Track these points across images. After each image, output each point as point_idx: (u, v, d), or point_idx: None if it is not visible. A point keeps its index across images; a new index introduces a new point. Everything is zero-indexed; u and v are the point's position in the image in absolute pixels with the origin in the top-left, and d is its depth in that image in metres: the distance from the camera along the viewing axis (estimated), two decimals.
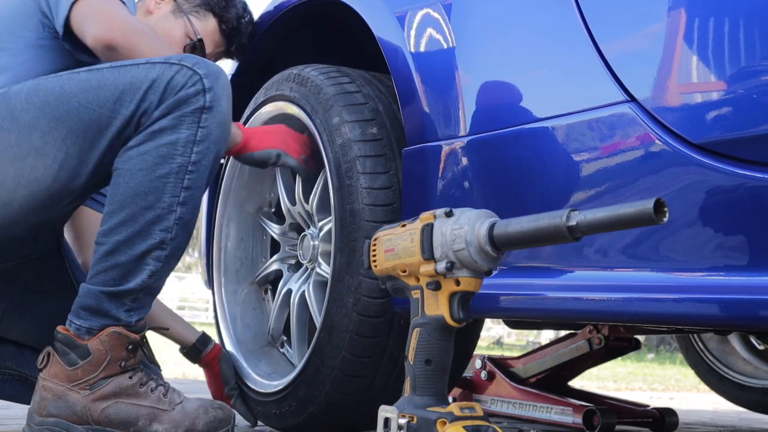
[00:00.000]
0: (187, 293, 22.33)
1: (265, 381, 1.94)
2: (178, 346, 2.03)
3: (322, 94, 1.78)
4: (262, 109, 2.00)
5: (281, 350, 2.08)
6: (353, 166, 1.68)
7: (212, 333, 2.14)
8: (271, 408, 1.87)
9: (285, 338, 2.08)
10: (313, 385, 1.74)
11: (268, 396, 1.88)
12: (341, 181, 1.70)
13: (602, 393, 2.81)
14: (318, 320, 1.83)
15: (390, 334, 1.68)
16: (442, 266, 1.13)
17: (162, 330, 1.92)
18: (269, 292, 2.16)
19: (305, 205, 1.93)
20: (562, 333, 2.88)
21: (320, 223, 1.88)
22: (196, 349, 1.99)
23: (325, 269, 1.84)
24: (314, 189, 1.90)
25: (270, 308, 2.13)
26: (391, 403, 1.20)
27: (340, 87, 1.78)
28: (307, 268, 1.93)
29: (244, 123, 2.08)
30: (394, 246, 1.20)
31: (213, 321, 2.17)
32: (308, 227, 1.93)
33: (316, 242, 1.88)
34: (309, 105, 1.81)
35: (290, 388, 1.80)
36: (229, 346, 2.07)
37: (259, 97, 2.04)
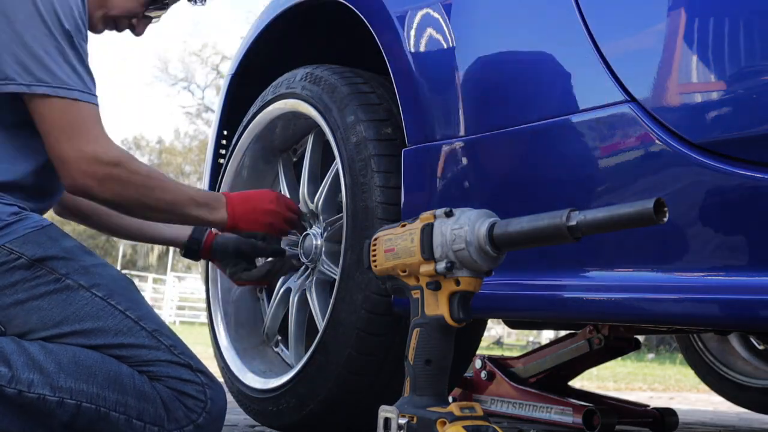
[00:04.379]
0: (187, 293, 22.33)
1: (260, 378, 1.94)
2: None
3: (337, 94, 1.79)
4: (271, 106, 2.01)
5: (275, 349, 2.08)
6: (368, 165, 1.69)
7: (207, 332, 2.14)
8: (267, 405, 1.87)
9: (279, 337, 2.08)
10: (315, 382, 1.74)
11: (264, 393, 1.88)
12: (354, 179, 1.71)
13: (602, 393, 2.81)
14: (319, 319, 1.83)
15: (396, 333, 1.68)
16: (442, 266, 1.13)
17: (157, 237, 1.87)
18: (264, 291, 2.16)
19: (310, 204, 1.93)
20: (562, 333, 2.88)
21: (325, 222, 1.88)
22: (196, 240, 1.86)
23: (328, 268, 1.85)
24: (320, 188, 1.90)
25: (264, 307, 2.13)
26: (391, 403, 1.20)
27: (354, 87, 1.79)
28: (307, 267, 1.93)
29: (250, 120, 2.08)
30: (394, 246, 1.20)
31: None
32: (311, 226, 1.93)
33: (320, 241, 1.88)
34: (322, 104, 1.82)
35: (290, 385, 1.80)
36: (223, 344, 2.07)
37: (266, 95, 2.04)
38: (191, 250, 1.86)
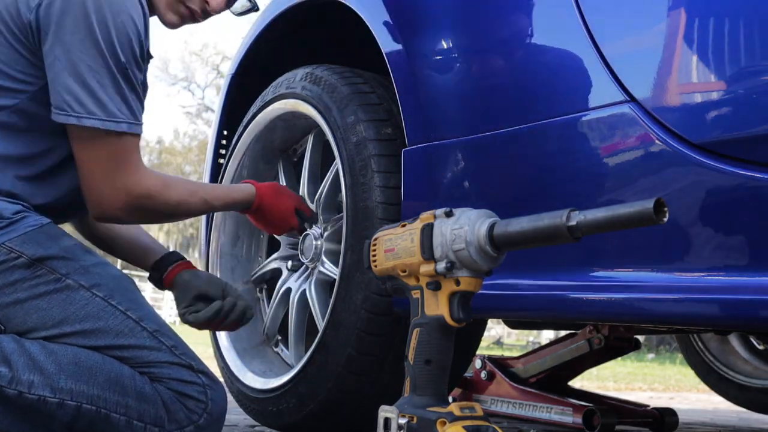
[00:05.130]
0: None
1: (261, 378, 1.94)
2: None
3: (337, 94, 1.79)
4: (271, 106, 2.01)
5: (275, 349, 2.08)
6: (368, 165, 1.69)
7: (207, 332, 2.14)
8: (267, 405, 1.87)
9: (279, 337, 2.08)
10: (315, 381, 1.74)
11: (264, 393, 1.88)
12: (354, 179, 1.71)
13: (602, 393, 2.81)
14: (319, 319, 1.83)
15: (396, 333, 1.68)
16: (442, 266, 1.13)
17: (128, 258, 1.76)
18: (264, 291, 2.16)
19: (310, 204, 1.93)
20: (562, 333, 2.88)
21: (325, 222, 1.88)
22: (159, 271, 1.69)
23: (328, 268, 1.85)
24: (320, 188, 1.91)
25: (265, 307, 2.13)
26: (392, 403, 1.21)
27: (354, 87, 1.79)
28: (307, 267, 1.93)
29: (251, 120, 2.08)
30: (394, 246, 1.20)
31: None
32: (311, 226, 1.93)
33: (320, 241, 1.88)
34: (322, 104, 1.82)
35: (290, 385, 1.81)
36: (223, 345, 2.07)
37: (267, 94, 2.04)
38: (154, 278, 1.70)
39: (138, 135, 1.48)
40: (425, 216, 1.17)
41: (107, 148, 1.43)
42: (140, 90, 1.49)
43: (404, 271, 1.19)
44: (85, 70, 1.39)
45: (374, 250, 1.25)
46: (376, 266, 1.24)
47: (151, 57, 1.58)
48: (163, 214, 1.55)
